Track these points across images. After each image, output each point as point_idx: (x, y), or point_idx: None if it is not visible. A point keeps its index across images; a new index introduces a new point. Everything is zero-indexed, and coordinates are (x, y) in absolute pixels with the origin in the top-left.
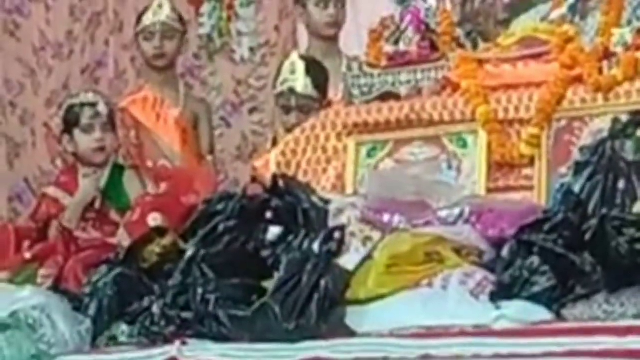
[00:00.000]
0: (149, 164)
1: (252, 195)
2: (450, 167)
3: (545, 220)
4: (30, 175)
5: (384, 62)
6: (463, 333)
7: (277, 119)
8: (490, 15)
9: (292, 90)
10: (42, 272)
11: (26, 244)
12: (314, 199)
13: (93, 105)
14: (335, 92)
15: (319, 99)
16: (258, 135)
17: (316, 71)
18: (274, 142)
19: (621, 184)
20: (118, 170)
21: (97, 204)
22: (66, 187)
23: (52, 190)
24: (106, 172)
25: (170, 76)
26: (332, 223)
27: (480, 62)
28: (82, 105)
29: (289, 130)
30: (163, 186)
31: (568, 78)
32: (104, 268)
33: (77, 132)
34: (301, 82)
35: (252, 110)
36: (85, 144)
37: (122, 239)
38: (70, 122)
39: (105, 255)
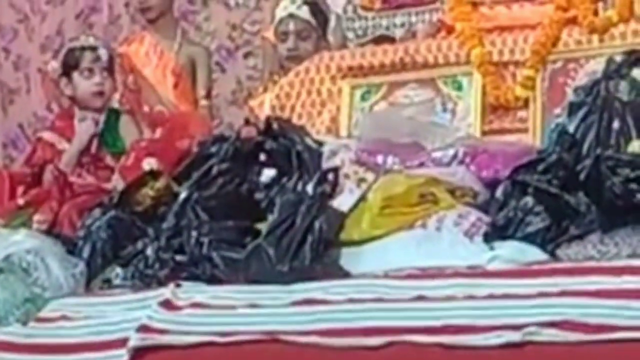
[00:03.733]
0: (146, 109)
1: (245, 137)
2: (445, 109)
3: (540, 161)
4: (24, 121)
5: (378, 5)
6: (457, 274)
7: (268, 59)
8: None
9: (291, 15)
10: (36, 217)
11: (20, 189)
12: (308, 141)
13: (94, 49)
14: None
15: (316, 29)
16: (253, 80)
17: (316, 6)
18: (265, 89)
19: (616, 124)
20: (114, 114)
21: (93, 148)
22: (62, 132)
23: (47, 135)
24: (102, 116)
25: (166, 23)
26: (325, 165)
27: (475, 4)
28: (83, 49)
29: (287, 58)
30: (158, 131)
31: (563, 20)
32: (97, 211)
33: (75, 76)
34: (300, 8)
35: (246, 55)
36: (84, 87)
37: (117, 184)
38: (70, 65)
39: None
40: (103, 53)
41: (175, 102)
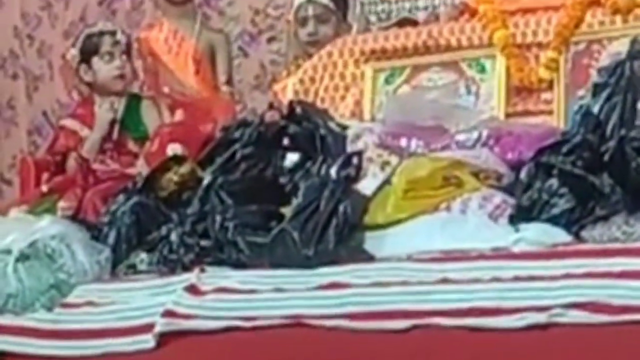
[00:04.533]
0: (165, 89)
1: (269, 122)
2: (468, 92)
3: (564, 142)
4: (48, 108)
5: None
6: (482, 256)
7: (292, 44)
8: None
9: (309, 0)
10: (61, 204)
11: (45, 176)
12: (332, 124)
13: (112, 33)
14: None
15: (335, 12)
16: (276, 65)
17: None
18: (289, 73)
19: None
20: (135, 99)
21: (115, 134)
22: (83, 119)
23: (69, 122)
24: (123, 101)
25: (188, 9)
26: (349, 148)
27: None
28: (102, 33)
29: (308, 43)
30: (179, 113)
31: (586, 1)
32: (121, 197)
33: (95, 61)
34: None
35: (270, 40)
36: (105, 72)
37: (141, 169)
38: (89, 51)
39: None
40: (121, 37)
41: (197, 88)
